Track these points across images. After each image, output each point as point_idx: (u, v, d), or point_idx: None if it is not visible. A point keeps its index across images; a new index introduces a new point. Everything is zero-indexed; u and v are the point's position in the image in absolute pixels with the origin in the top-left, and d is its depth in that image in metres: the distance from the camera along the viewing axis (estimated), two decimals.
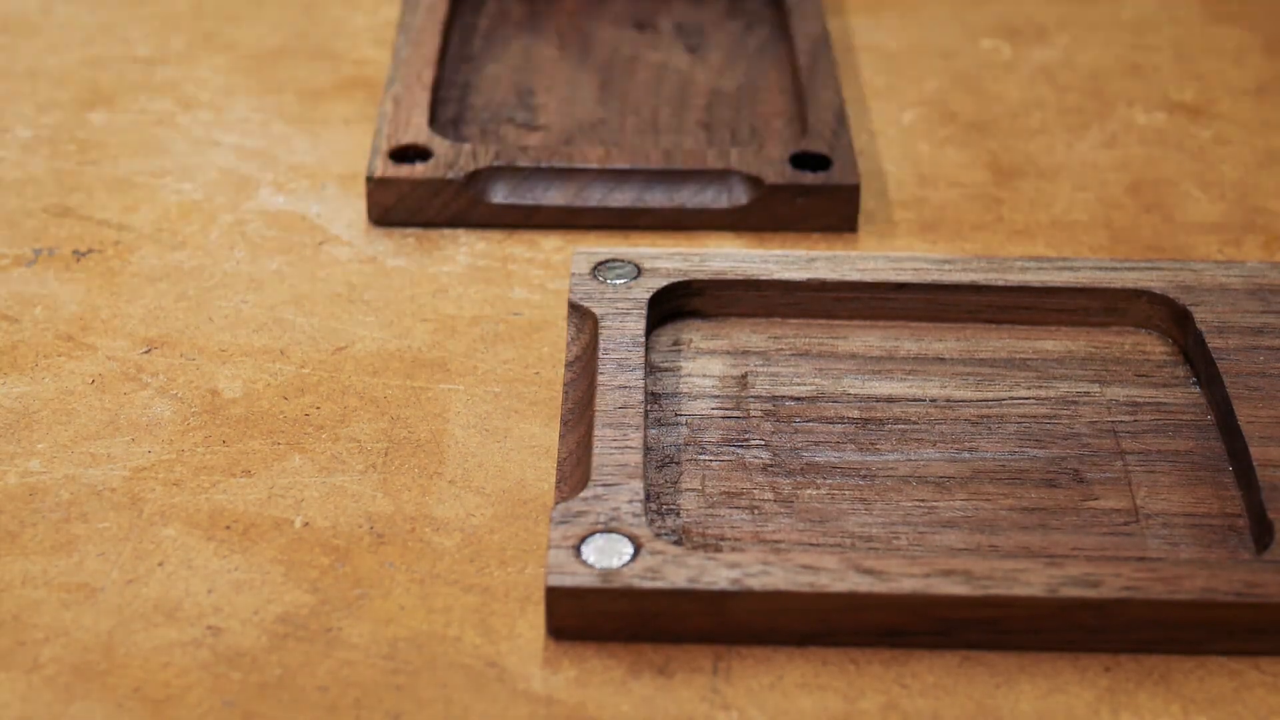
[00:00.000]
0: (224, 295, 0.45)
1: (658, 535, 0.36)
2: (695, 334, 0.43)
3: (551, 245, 0.48)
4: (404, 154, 0.48)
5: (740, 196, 0.48)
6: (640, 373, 0.40)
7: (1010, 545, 0.37)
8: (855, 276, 0.43)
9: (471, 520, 0.39)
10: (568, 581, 0.35)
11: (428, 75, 0.52)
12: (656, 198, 0.48)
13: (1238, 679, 0.35)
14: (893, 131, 0.53)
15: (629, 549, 0.35)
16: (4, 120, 0.53)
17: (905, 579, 0.35)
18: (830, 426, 0.40)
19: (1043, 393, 0.41)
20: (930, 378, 0.42)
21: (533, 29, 0.57)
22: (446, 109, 0.53)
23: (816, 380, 0.42)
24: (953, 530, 0.38)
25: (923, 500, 0.38)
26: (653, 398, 0.41)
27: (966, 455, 0.40)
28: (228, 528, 0.38)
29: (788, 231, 0.48)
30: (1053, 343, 0.43)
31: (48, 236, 0.48)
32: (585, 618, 0.35)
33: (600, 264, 0.44)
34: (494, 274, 0.46)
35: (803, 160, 0.48)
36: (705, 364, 0.42)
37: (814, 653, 0.36)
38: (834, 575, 0.35)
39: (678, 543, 0.37)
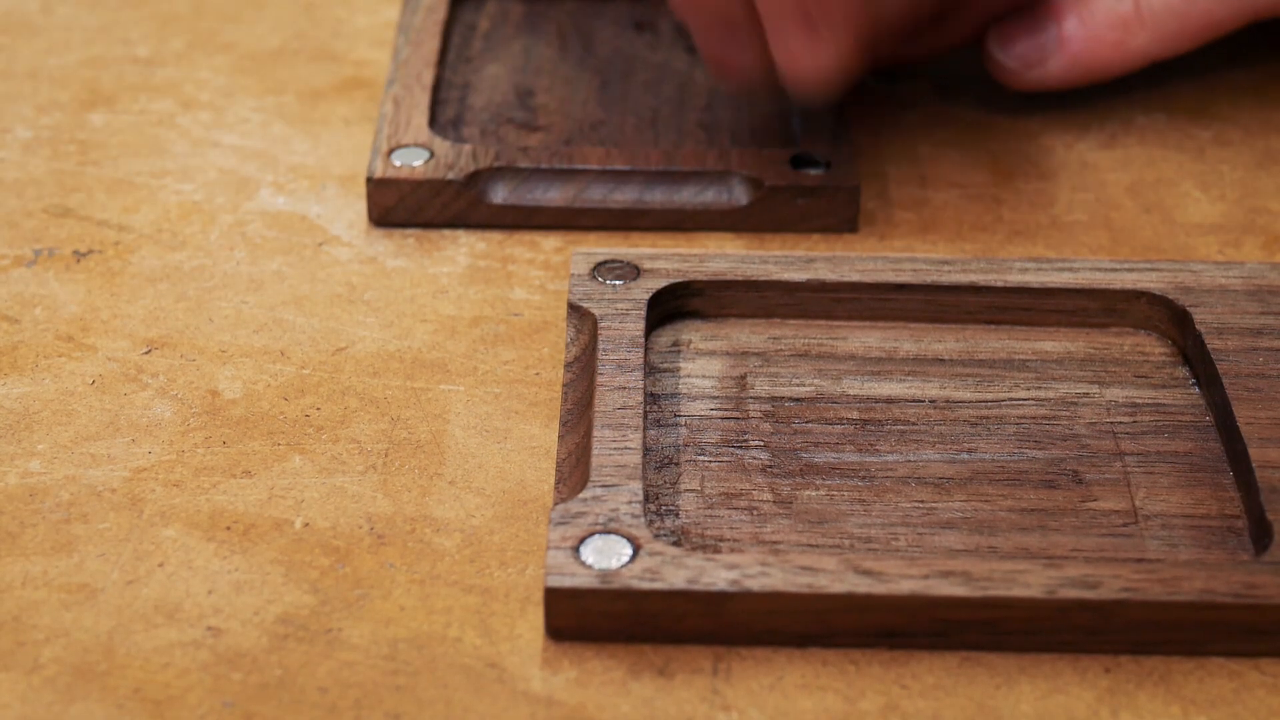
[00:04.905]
0: (224, 296, 0.45)
1: (656, 536, 0.37)
2: (694, 335, 0.43)
3: (551, 246, 0.48)
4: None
5: (740, 197, 0.48)
6: (639, 374, 0.40)
7: (1009, 546, 0.37)
8: (855, 277, 0.43)
9: (472, 521, 0.39)
10: (567, 582, 0.35)
11: (428, 76, 0.52)
12: (656, 198, 0.48)
13: (1238, 680, 0.35)
14: (892, 132, 0.53)
15: (628, 550, 0.36)
16: (4, 120, 0.53)
17: (904, 580, 0.35)
18: (829, 427, 0.40)
19: (1042, 394, 0.41)
20: (929, 379, 0.42)
21: (533, 29, 0.57)
22: (446, 109, 0.53)
23: (816, 381, 0.42)
24: (952, 531, 0.38)
25: (922, 501, 0.38)
26: (652, 398, 0.41)
27: (965, 456, 0.40)
28: (228, 528, 0.38)
29: (787, 232, 0.48)
30: (1052, 344, 0.43)
31: (48, 237, 0.48)
32: (584, 618, 0.35)
33: (599, 264, 0.44)
34: (494, 274, 0.46)
35: (803, 161, 0.49)
36: (704, 365, 0.42)
37: (814, 654, 0.36)
38: (833, 576, 0.35)
39: (676, 544, 0.37)
